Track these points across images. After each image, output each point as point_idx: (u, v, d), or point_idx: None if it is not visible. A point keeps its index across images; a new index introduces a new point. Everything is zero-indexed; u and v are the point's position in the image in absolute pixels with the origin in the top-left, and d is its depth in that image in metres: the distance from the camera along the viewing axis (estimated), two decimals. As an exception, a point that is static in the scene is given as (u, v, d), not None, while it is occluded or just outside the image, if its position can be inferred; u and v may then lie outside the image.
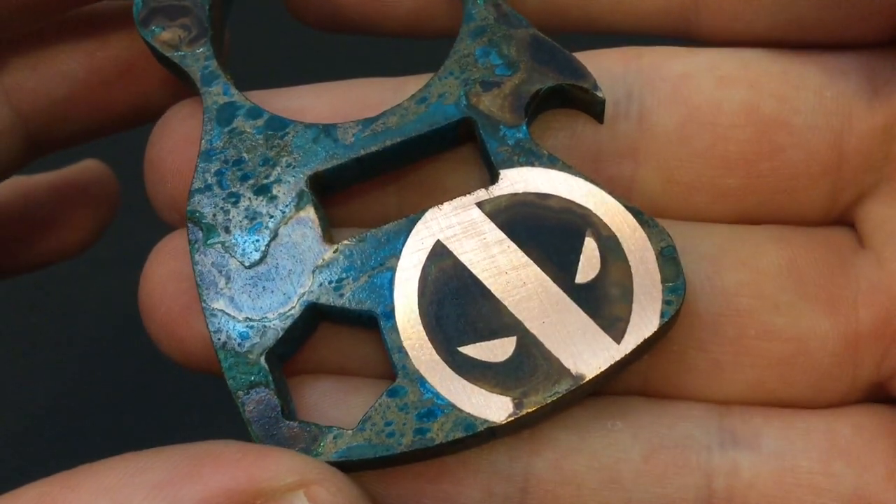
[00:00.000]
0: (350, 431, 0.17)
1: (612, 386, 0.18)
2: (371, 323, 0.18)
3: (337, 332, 0.18)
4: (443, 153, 0.19)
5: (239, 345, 0.17)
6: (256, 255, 0.18)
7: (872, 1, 0.18)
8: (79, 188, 0.23)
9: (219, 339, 0.17)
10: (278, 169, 0.18)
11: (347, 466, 0.17)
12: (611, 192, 0.18)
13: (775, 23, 0.19)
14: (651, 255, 0.17)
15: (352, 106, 0.19)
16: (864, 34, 0.19)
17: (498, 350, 0.17)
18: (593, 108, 0.19)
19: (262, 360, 0.17)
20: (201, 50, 0.19)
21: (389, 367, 0.18)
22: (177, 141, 0.19)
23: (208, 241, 0.18)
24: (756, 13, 0.19)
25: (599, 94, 0.18)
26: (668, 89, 0.19)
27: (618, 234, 0.17)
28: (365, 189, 0.19)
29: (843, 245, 0.19)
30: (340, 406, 0.18)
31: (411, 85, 0.20)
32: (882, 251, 0.18)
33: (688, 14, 0.19)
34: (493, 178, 0.18)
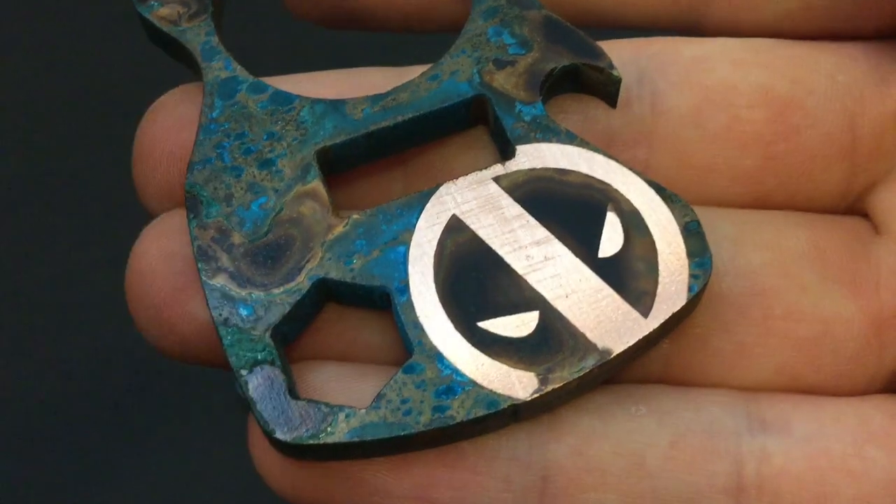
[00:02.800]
0: (363, 410, 0.16)
1: (633, 373, 0.17)
2: (382, 300, 0.17)
3: (341, 317, 0.17)
4: (451, 136, 0.19)
5: (242, 320, 0.16)
6: (261, 230, 0.17)
7: None
8: None
9: (220, 314, 0.16)
10: (284, 143, 0.17)
11: (360, 449, 0.15)
12: (631, 167, 0.17)
13: (783, 14, 0.19)
14: (675, 230, 0.17)
15: (354, 92, 0.19)
16: (871, 26, 0.19)
17: (520, 325, 0.16)
18: (607, 89, 0.18)
19: (268, 336, 0.16)
20: (202, 25, 0.18)
21: (395, 353, 0.17)
22: (170, 124, 0.18)
23: (208, 215, 0.17)
24: (764, 4, 0.19)
25: (615, 72, 0.18)
26: (682, 72, 0.19)
27: (640, 209, 0.17)
28: (371, 172, 0.19)
29: (861, 231, 0.18)
30: (346, 391, 0.17)
31: (416, 73, 0.19)
32: None
33: (697, 5, 0.19)
34: (509, 154, 0.18)
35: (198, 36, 0.18)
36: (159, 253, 0.17)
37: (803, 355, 0.17)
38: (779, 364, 0.17)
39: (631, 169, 0.17)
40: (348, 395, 0.17)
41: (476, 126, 0.18)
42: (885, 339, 0.17)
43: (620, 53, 0.19)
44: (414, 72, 0.19)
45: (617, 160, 0.17)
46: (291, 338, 0.17)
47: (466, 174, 0.17)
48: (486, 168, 0.17)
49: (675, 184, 0.19)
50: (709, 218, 0.18)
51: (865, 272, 0.18)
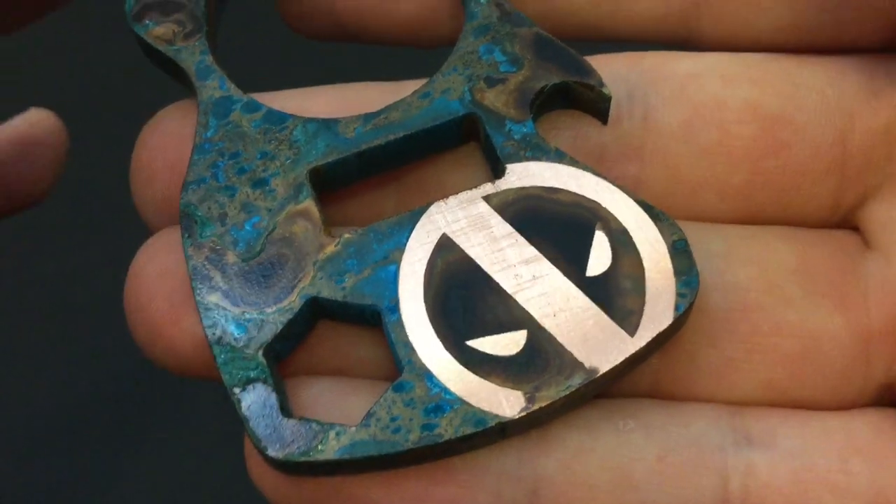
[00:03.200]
0: (353, 428, 0.16)
1: (622, 387, 0.17)
2: (374, 318, 0.17)
3: (335, 332, 0.18)
4: (443, 153, 0.19)
5: (235, 339, 0.16)
6: (254, 249, 0.17)
7: (872, 5, 0.18)
8: (32, 139, 0.22)
9: (214, 333, 0.16)
10: (277, 162, 0.18)
11: (350, 466, 0.16)
12: (620, 186, 0.17)
13: (775, 27, 0.19)
14: (663, 248, 0.17)
15: (347, 108, 0.19)
16: (862, 39, 0.19)
17: (508, 343, 0.16)
18: (598, 106, 0.19)
19: (260, 354, 0.16)
20: (197, 44, 0.18)
21: (389, 368, 0.17)
22: (168, 140, 0.19)
23: (203, 235, 0.17)
24: (757, 16, 0.19)
25: (605, 90, 0.18)
26: (672, 88, 0.19)
27: (628, 228, 0.17)
28: (364, 189, 0.19)
29: (850, 246, 0.19)
30: (338, 407, 0.17)
31: (410, 89, 0.19)
32: (889, 251, 0.18)
33: (689, 19, 0.19)
34: (500, 173, 0.18)
35: (192, 55, 0.18)
36: (156, 270, 0.18)
37: (790, 370, 0.17)
38: (765, 379, 0.17)
39: (620, 187, 0.17)
40: (340, 411, 0.17)
41: (468, 143, 0.19)
42: (873, 353, 0.18)
43: (612, 69, 0.19)
44: (409, 87, 0.19)
45: (606, 178, 0.18)
46: (284, 355, 0.17)
47: (458, 192, 0.18)
48: (476, 187, 0.18)
49: (666, 199, 0.19)
50: (698, 234, 0.18)
51: (853, 287, 0.18)
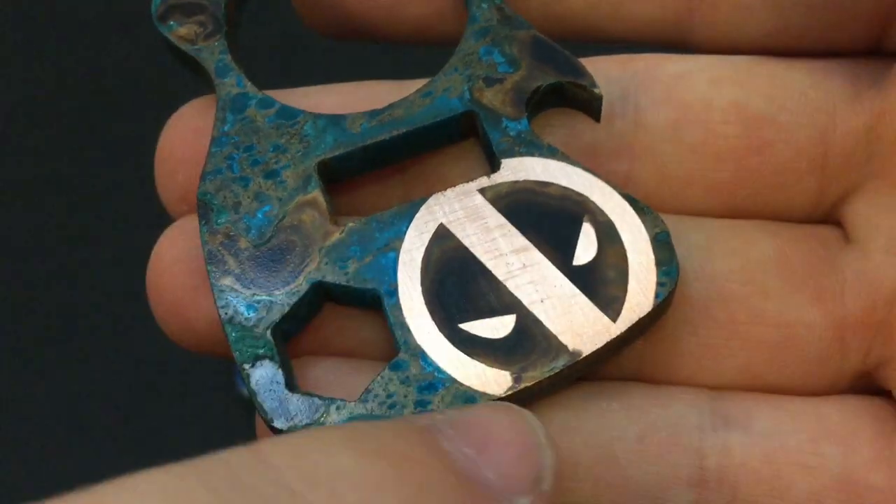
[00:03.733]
0: (352, 403, 0.17)
1: (608, 371, 0.19)
2: (374, 302, 0.18)
3: (339, 316, 0.19)
4: (445, 147, 0.20)
5: (245, 319, 0.18)
6: (265, 235, 0.18)
7: (856, 10, 0.19)
8: None
9: (226, 313, 0.18)
10: (288, 155, 0.19)
11: None
12: (608, 180, 0.19)
13: (764, 31, 0.20)
14: (646, 239, 0.18)
15: (357, 105, 0.20)
16: (847, 43, 0.20)
17: (498, 327, 0.17)
18: (591, 105, 0.20)
19: (268, 333, 0.18)
20: (216, 44, 0.20)
21: (389, 350, 0.18)
22: (190, 133, 0.20)
23: (218, 222, 0.18)
24: (747, 21, 0.20)
25: (597, 90, 0.19)
26: (662, 89, 0.20)
27: (614, 220, 0.18)
28: (370, 180, 0.20)
29: (831, 240, 0.19)
30: (342, 384, 0.18)
31: (415, 87, 0.20)
32: (867, 244, 0.19)
33: (682, 23, 0.20)
34: (495, 168, 0.19)
35: (212, 55, 0.20)
36: (176, 254, 0.19)
37: (766, 357, 0.18)
38: (743, 364, 0.18)
39: (607, 182, 0.19)
40: (343, 388, 0.18)
41: (468, 138, 0.20)
42: (848, 343, 0.19)
43: (606, 70, 0.20)
44: (414, 86, 0.21)
45: (594, 173, 0.19)
46: (292, 334, 0.18)
47: (456, 185, 0.19)
48: (473, 180, 0.19)
49: (654, 195, 0.20)
50: (682, 227, 0.19)
51: (830, 279, 0.19)
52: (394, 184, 0.20)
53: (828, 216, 0.20)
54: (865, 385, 0.19)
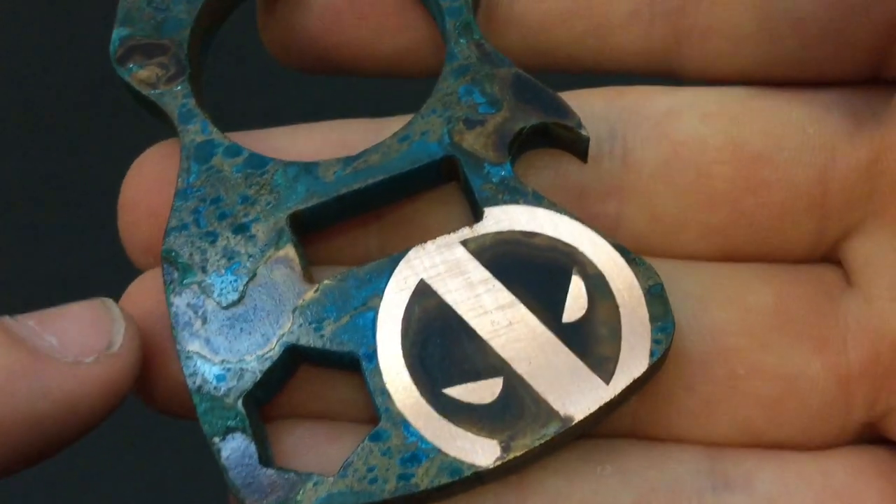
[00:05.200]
0: (331, 479, 0.16)
1: (601, 428, 0.18)
2: (353, 364, 0.17)
3: (317, 375, 0.18)
4: (425, 192, 0.19)
5: (215, 388, 0.17)
6: (234, 296, 0.17)
7: (853, 38, 0.18)
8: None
9: (194, 382, 0.17)
10: (257, 207, 0.18)
11: None
12: (597, 230, 0.18)
13: (758, 61, 0.19)
14: (639, 293, 0.17)
15: (332, 147, 0.19)
16: (845, 72, 0.19)
17: (484, 391, 0.16)
18: (577, 146, 0.19)
19: (240, 404, 0.17)
20: (179, 88, 0.19)
21: (372, 410, 0.17)
22: (152, 182, 0.19)
23: (184, 281, 0.17)
24: (738, 52, 0.19)
25: (583, 132, 0.18)
26: (651, 127, 0.19)
27: (605, 273, 0.17)
28: (346, 228, 0.19)
29: (831, 283, 0.19)
30: (320, 452, 0.17)
31: (393, 126, 0.19)
32: (870, 289, 0.18)
33: (671, 53, 0.19)
34: (478, 217, 0.18)
35: (175, 99, 0.19)
36: (140, 315, 0.18)
37: (767, 412, 0.17)
38: (743, 421, 0.17)
39: (596, 231, 0.17)
40: (321, 457, 0.17)
41: (450, 182, 0.19)
42: (852, 394, 0.18)
43: (592, 106, 0.19)
44: (390, 124, 0.19)
45: (583, 222, 0.18)
46: (265, 401, 0.17)
47: (436, 236, 0.18)
48: (454, 231, 0.18)
49: (646, 237, 0.19)
50: (675, 274, 0.18)
51: (832, 328, 0.18)
52: (371, 232, 0.19)
53: (828, 255, 0.19)
54: (870, 435, 0.18)
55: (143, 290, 0.18)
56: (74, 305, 0.16)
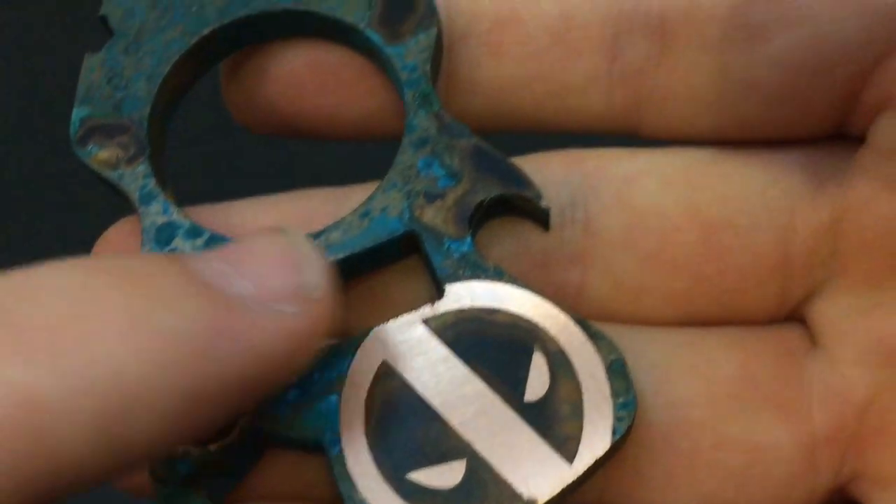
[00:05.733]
0: None
1: (567, 500, 0.18)
2: (318, 449, 0.17)
3: (283, 457, 0.18)
4: (388, 266, 0.19)
5: (179, 478, 0.17)
6: None
7: (814, 99, 0.18)
8: None
9: (159, 477, 0.17)
10: None
11: None
12: (558, 304, 0.18)
13: (718, 123, 0.19)
14: (600, 370, 0.17)
15: (294, 220, 0.19)
16: (806, 131, 0.19)
17: (447, 475, 0.17)
18: (538, 216, 0.19)
19: (203, 495, 0.17)
20: (140, 168, 0.19)
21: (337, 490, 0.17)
22: None
23: None
24: (698, 114, 0.19)
25: (543, 203, 0.18)
26: (612, 193, 0.19)
27: (566, 349, 0.17)
28: None
29: (796, 345, 0.19)
30: None
31: (356, 195, 0.19)
32: (834, 351, 0.18)
33: (632, 115, 0.19)
34: (440, 293, 0.18)
35: (135, 180, 0.19)
36: None
37: (733, 484, 0.17)
38: (709, 492, 0.17)
39: (557, 306, 0.17)
40: None
41: (412, 255, 0.19)
42: (819, 460, 0.18)
43: (553, 173, 0.19)
44: (353, 193, 0.19)
45: (544, 297, 0.18)
46: (231, 488, 0.17)
47: (401, 308, 0.18)
48: (415, 310, 0.18)
49: (609, 305, 0.19)
50: (639, 342, 0.18)
51: (797, 394, 0.18)
52: None
53: (792, 314, 0.19)
54: (839, 499, 0.18)
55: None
56: (260, 241, 0.14)
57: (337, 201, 0.19)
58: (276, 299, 0.14)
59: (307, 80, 0.20)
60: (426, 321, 0.18)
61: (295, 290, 0.14)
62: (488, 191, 0.18)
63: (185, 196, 0.20)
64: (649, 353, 0.18)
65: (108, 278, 0.13)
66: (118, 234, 0.19)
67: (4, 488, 0.11)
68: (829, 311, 0.18)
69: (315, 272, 0.14)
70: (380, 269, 0.19)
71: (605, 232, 0.19)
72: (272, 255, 0.14)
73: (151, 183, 0.19)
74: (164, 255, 0.14)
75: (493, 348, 0.17)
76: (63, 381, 0.12)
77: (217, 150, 0.30)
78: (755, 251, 0.18)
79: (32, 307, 0.12)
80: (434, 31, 0.19)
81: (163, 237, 0.18)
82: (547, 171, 0.19)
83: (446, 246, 0.18)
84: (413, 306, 0.18)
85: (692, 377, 0.18)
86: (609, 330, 0.18)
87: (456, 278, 0.18)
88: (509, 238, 0.19)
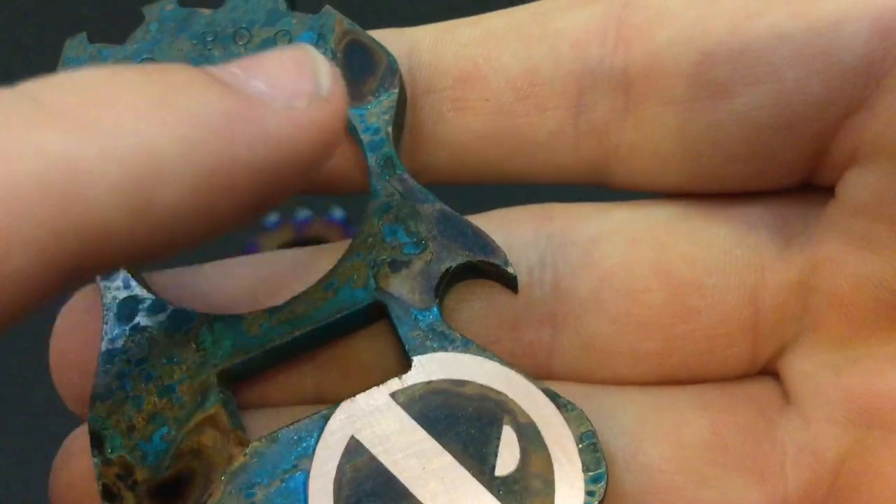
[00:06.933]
0: None
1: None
2: (287, 528, 0.17)
3: None
4: (356, 332, 0.19)
5: None
6: (163, 464, 0.17)
7: (780, 154, 0.18)
8: None
9: None
10: (183, 367, 0.18)
11: None
12: (527, 371, 0.17)
13: (683, 177, 0.19)
14: (571, 443, 0.17)
15: (261, 284, 0.19)
16: (773, 183, 0.19)
17: None
18: (506, 280, 0.18)
19: None
20: None
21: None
22: (78, 337, 0.19)
23: (111, 451, 0.17)
24: (664, 168, 0.19)
25: (510, 269, 0.18)
26: (580, 254, 0.19)
27: (536, 421, 0.17)
28: (280, 370, 0.19)
29: (768, 402, 0.18)
30: None
31: (323, 256, 0.19)
32: (807, 410, 0.18)
33: (600, 167, 0.19)
34: (407, 365, 0.18)
35: None
36: (79, 474, 0.18)
37: None
38: None
39: (526, 376, 0.17)
40: None
41: (379, 321, 0.19)
42: None
43: (521, 233, 0.19)
44: (322, 253, 0.19)
45: (511, 367, 0.17)
46: None
47: (371, 372, 0.18)
48: (383, 384, 0.17)
49: (579, 365, 0.19)
50: (610, 405, 0.18)
51: (770, 455, 0.18)
52: (306, 372, 0.19)
53: (765, 369, 0.19)
54: None
55: (80, 447, 0.18)
56: (274, 52, 0.15)
57: (304, 264, 0.19)
58: (288, 97, 0.15)
59: None
60: (393, 395, 0.17)
61: (306, 89, 0.15)
62: (455, 258, 0.18)
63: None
64: (621, 417, 0.18)
65: (135, 73, 0.14)
66: (77, 307, 0.19)
67: (38, 240, 0.12)
68: (801, 367, 0.18)
69: (325, 76, 0.15)
70: (347, 335, 0.19)
71: (573, 293, 0.18)
72: (284, 61, 0.15)
73: None
74: (185, 65, 0.15)
75: (462, 421, 0.17)
76: (94, 148, 0.13)
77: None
78: (724, 310, 0.18)
79: (65, 91, 0.13)
80: (395, 91, 0.19)
81: (124, 313, 0.18)
82: (514, 231, 0.19)
83: (413, 316, 0.18)
84: (383, 370, 0.18)
85: (664, 443, 0.18)
86: (580, 391, 0.18)
87: (423, 349, 0.18)
88: (478, 301, 0.19)
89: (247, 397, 0.19)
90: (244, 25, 0.19)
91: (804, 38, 0.17)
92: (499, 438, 0.17)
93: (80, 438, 0.18)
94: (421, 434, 0.17)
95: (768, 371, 0.19)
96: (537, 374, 0.18)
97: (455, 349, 0.18)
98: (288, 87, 0.15)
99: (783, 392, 0.19)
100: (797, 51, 0.17)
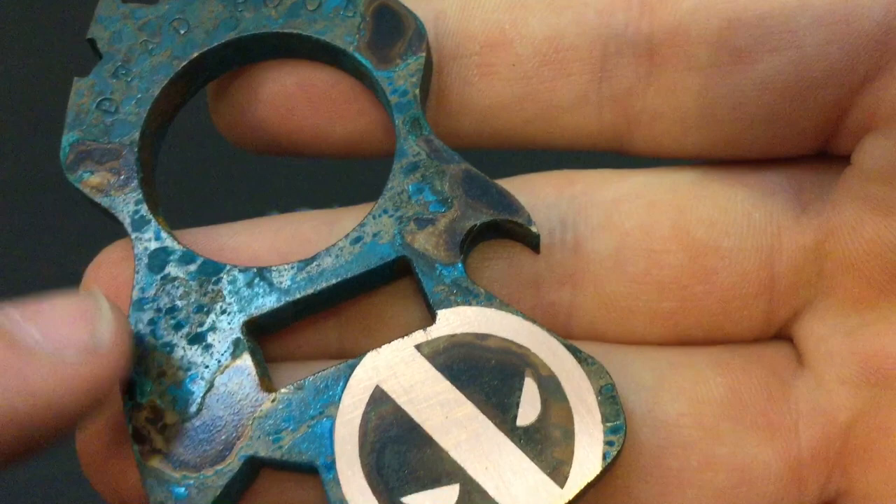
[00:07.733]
0: None
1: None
2: (313, 472, 0.17)
3: (277, 479, 0.18)
4: (381, 288, 0.19)
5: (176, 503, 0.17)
6: (192, 408, 0.17)
7: (798, 120, 0.18)
8: None
9: (155, 498, 0.17)
10: (213, 316, 0.18)
11: None
12: (549, 330, 0.18)
13: (704, 142, 0.19)
14: (591, 395, 0.17)
15: (287, 242, 0.19)
16: (791, 149, 0.19)
17: (440, 499, 0.17)
18: (529, 240, 0.19)
19: None
20: (131, 194, 0.19)
21: (335, 510, 0.18)
22: (109, 287, 0.19)
23: (142, 395, 0.18)
24: (685, 134, 0.19)
25: (534, 228, 0.18)
26: (601, 215, 0.19)
27: (557, 374, 0.17)
28: (304, 325, 0.19)
29: (782, 365, 0.19)
30: None
31: (347, 217, 0.19)
32: (820, 371, 0.18)
33: (621, 134, 0.20)
34: (432, 318, 0.18)
35: (127, 206, 0.19)
36: (105, 422, 0.18)
37: (722, 503, 0.18)
38: None
39: (548, 331, 0.18)
40: None
41: (405, 277, 0.19)
42: (805, 478, 0.18)
43: (543, 195, 0.19)
44: (345, 216, 0.20)
45: (534, 322, 0.18)
46: None
47: (395, 329, 0.18)
48: (408, 335, 0.18)
49: (598, 324, 0.19)
50: (628, 363, 0.18)
51: (784, 414, 0.18)
52: (330, 327, 0.19)
53: (779, 333, 0.19)
54: None
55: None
56: (61, 297, 0.16)
57: (328, 224, 0.20)
58: (59, 347, 0.15)
59: (298, 99, 0.20)
60: (418, 346, 0.18)
61: (81, 340, 0.15)
62: (479, 216, 0.18)
63: (178, 217, 0.20)
64: (638, 374, 0.18)
65: None
66: (109, 258, 0.19)
67: None
68: (815, 331, 0.19)
69: (106, 328, 0.15)
70: (372, 290, 0.19)
71: (594, 253, 0.19)
72: (67, 308, 0.15)
73: (143, 208, 0.19)
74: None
75: (485, 373, 0.17)
76: None
77: (208, 171, 0.30)
78: (741, 273, 0.19)
79: None
80: (423, 55, 0.19)
81: (155, 263, 0.18)
82: (537, 193, 0.19)
83: (438, 271, 0.18)
84: (405, 326, 0.19)
85: (681, 399, 0.18)
86: (598, 350, 0.19)
87: (448, 303, 0.18)
88: (500, 260, 0.19)
89: (272, 351, 0.19)
90: None
91: (824, 5, 0.17)
92: (520, 390, 0.17)
93: None
94: (444, 384, 0.17)
95: (783, 336, 0.19)
96: (557, 333, 0.19)
97: (479, 303, 0.18)
98: (62, 337, 0.15)
99: (797, 356, 0.19)
100: (818, 18, 0.17)
